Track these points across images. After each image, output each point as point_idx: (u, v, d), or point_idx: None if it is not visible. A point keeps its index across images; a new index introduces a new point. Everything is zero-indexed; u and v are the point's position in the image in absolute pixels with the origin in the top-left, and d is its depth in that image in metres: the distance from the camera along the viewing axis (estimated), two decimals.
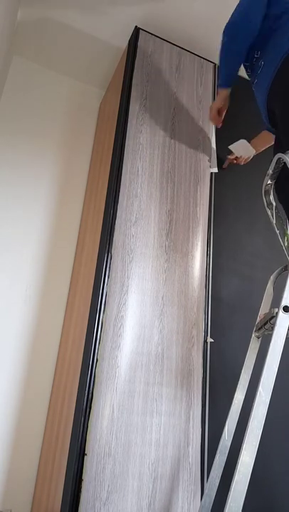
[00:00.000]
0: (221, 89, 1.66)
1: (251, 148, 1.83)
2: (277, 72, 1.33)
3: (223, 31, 1.49)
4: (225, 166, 1.93)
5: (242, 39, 1.45)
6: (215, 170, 1.87)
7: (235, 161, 1.92)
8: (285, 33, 1.35)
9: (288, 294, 1.05)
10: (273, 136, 1.76)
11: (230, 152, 1.89)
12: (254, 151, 1.86)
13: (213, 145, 1.92)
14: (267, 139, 1.85)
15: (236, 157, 1.90)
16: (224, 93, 1.66)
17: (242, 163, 1.92)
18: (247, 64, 1.53)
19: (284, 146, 1.30)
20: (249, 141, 1.85)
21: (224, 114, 1.75)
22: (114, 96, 2.06)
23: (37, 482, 1.68)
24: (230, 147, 1.85)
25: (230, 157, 1.91)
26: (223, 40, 1.50)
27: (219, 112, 1.73)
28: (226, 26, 1.49)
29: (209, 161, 1.87)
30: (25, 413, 1.78)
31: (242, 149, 1.84)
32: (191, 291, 1.59)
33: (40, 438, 1.77)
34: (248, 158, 1.89)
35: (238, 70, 1.57)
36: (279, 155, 1.29)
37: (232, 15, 1.49)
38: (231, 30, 1.47)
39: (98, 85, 2.51)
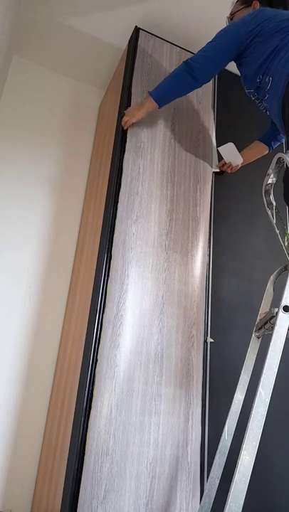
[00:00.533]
0: (153, 103, 1.62)
1: (239, 155, 1.80)
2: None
3: (188, 64, 1.53)
4: (215, 169, 1.88)
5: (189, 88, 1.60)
6: (216, 169, 1.86)
7: (224, 168, 1.88)
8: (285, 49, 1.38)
9: (288, 294, 1.05)
10: (265, 149, 1.85)
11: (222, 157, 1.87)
12: (241, 160, 1.82)
13: (214, 143, 1.91)
14: (258, 150, 1.86)
15: (224, 163, 1.86)
16: (153, 108, 1.63)
17: (229, 172, 1.87)
18: (251, 90, 1.55)
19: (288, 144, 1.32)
20: (240, 151, 1.83)
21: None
22: (114, 96, 2.06)
23: (37, 482, 1.68)
24: (220, 149, 1.82)
25: (219, 164, 1.88)
26: (182, 70, 1.54)
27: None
28: (190, 65, 1.53)
29: (210, 161, 1.86)
30: (26, 413, 1.78)
31: (230, 154, 1.81)
32: (191, 291, 1.59)
33: (41, 438, 1.77)
34: (236, 167, 1.84)
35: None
36: (279, 155, 1.29)
37: (199, 56, 1.54)
38: (184, 76, 1.55)
39: (98, 85, 2.51)
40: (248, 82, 1.54)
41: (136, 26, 2.00)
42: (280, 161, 1.30)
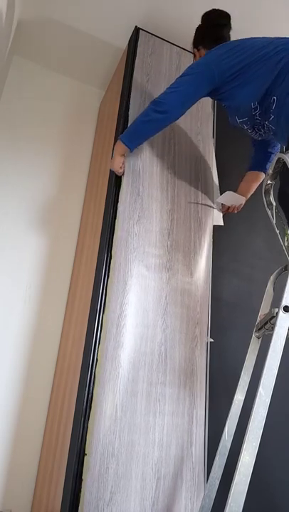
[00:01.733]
0: (123, 147, 1.58)
1: (239, 196, 1.78)
2: None
3: (154, 103, 1.50)
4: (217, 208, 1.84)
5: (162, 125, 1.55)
6: (218, 208, 1.81)
7: (229, 211, 1.84)
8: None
9: (288, 294, 1.05)
10: (261, 174, 1.78)
11: (221, 204, 1.83)
12: (243, 199, 1.79)
13: (216, 181, 1.86)
14: (254, 179, 1.80)
15: (228, 207, 1.83)
16: (124, 151, 1.59)
17: (235, 212, 1.84)
18: (244, 119, 1.49)
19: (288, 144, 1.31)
20: (236, 189, 1.80)
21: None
22: (114, 96, 2.06)
23: (37, 482, 1.68)
24: (219, 200, 1.79)
25: (223, 209, 1.83)
26: (149, 109, 1.51)
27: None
28: (156, 103, 1.50)
29: (212, 198, 1.81)
30: (26, 413, 1.78)
31: (230, 199, 1.78)
32: (194, 291, 1.59)
33: (41, 438, 1.77)
34: (240, 205, 1.82)
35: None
36: (279, 155, 1.29)
37: (165, 92, 1.50)
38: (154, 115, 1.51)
39: (98, 85, 2.51)
40: (240, 112, 1.48)
41: (136, 26, 2.00)
42: (279, 161, 1.30)
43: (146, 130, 1.56)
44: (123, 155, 1.61)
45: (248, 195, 1.82)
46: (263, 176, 1.78)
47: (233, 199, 1.78)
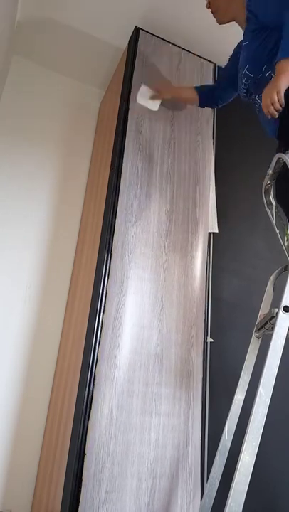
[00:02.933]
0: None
1: (154, 103, 1.70)
2: None
3: None
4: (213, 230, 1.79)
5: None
6: (214, 230, 1.78)
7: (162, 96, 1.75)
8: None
9: (288, 294, 1.05)
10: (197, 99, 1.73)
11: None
12: (156, 108, 1.71)
13: (213, 202, 1.84)
14: (189, 96, 1.75)
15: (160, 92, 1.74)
16: None
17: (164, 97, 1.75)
18: (252, 75, 1.44)
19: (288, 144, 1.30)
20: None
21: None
22: (114, 96, 2.06)
23: (37, 482, 1.68)
24: (138, 100, 1.70)
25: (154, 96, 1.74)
26: None
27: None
28: None
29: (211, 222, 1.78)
30: (26, 413, 1.78)
31: (143, 98, 1.70)
32: (190, 292, 1.59)
33: (41, 438, 1.77)
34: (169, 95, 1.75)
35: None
36: (279, 155, 1.29)
37: None
38: None
39: (98, 85, 2.51)
40: (255, 66, 1.40)
41: (136, 26, 2.00)
42: (279, 161, 1.30)
43: None
44: None
45: (173, 97, 1.77)
46: (196, 102, 1.76)
47: (145, 98, 1.70)
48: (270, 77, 1.36)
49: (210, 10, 1.62)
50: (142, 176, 1.67)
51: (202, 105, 1.78)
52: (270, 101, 1.24)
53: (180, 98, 1.81)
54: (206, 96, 1.75)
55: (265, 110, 1.26)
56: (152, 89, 1.72)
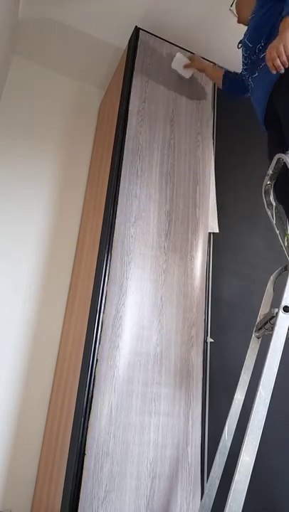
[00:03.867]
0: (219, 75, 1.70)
1: (186, 70, 1.90)
2: (287, 69, 1.29)
3: None
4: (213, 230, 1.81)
5: None
6: (214, 230, 1.78)
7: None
8: None
9: (288, 294, 1.05)
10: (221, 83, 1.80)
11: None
12: (189, 75, 1.91)
13: (213, 200, 1.85)
14: (216, 76, 1.81)
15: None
16: None
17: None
18: (247, 54, 1.46)
19: (288, 144, 1.30)
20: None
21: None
22: (114, 96, 2.06)
23: (37, 482, 1.68)
24: (172, 65, 1.89)
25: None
26: None
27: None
28: None
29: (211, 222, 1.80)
30: (26, 413, 1.78)
31: (177, 64, 1.90)
32: (190, 292, 1.59)
33: (41, 438, 1.77)
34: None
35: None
36: (279, 155, 1.29)
37: None
38: None
39: (98, 85, 2.51)
40: (253, 38, 1.41)
41: (136, 26, 2.00)
42: (279, 161, 1.30)
43: None
44: None
45: (200, 68, 1.89)
46: (220, 86, 1.83)
47: (182, 65, 1.90)
48: (264, 59, 1.36)
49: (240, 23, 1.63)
50: (142, 176, 1.67)
51: (225, 90, 1.82)
52: (277, 53, 1.22)
53: (208, 74, 1.89)
54: (230, 82, 1.78)
55: (270, 64, 1.25)
56: (186, 59, 1.89)
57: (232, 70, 1.84)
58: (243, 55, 1.51)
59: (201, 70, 1.89)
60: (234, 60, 1.68)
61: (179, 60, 1.89)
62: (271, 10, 1.37)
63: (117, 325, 1.42)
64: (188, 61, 1.90)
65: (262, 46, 1.40)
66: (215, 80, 1.86)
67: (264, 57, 1.36)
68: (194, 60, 1.90)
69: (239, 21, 1.61)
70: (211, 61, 2.09)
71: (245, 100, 1.83)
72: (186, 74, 1.92)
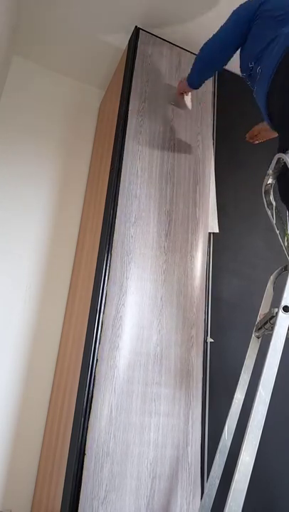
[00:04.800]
0: (189, 88, 1.78)
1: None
2: (274, 75, 1.33)
3: (201, 48, 1.64)
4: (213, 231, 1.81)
5: (210, 66, 1.69)
6: (216, 230, 1.80)
7: (251, 140, 1.85)
8: (277, 39, 1.35)
9: (288, 294, 1.05)
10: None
11: None
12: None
13: (214, 200, 1.85)
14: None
15: (252, 136, 1.83)
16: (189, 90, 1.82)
17: (255, 142, 1.84)
18: (244, 74, 1.53)
19: (283, 145, 1.31)
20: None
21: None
22: (114, 96, 2.07)
23: (37, 482, 1.68)
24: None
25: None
26: (198, 54, 1.65)
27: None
28: (202, 46, 1.64)
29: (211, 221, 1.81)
30: (26, 413, 1.78)
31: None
32: (190, 292, 1.59)
33: (41, 438, 1.77)
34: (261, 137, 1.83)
35: (207, 78, 1.75)
36: (279, 155, 1.29)
37: (211, 38, 1.62)
38: (202, 55, 1.65)
39: (98, 85, 2.51)
40: (243, 64, 1.51)
41: (136, 26, 2.00)
42: (279, 161, 1.31)
43: (202, 69, 1.71)
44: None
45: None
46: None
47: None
48: (259, 71, 1.40)
49: None
50: (142, 176, 1.67)
51: None
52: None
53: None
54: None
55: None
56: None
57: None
58: (242, 75, 1.59)
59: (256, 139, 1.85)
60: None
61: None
62: (256, 32, 1.45)
63: (117, 325, 1.42)
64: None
65: (252, 65, 1.46)
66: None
67: (259, 70, 1.41)
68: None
69: None
70: None
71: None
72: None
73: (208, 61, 1.65)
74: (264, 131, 1.81)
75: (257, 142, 1.83)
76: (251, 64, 1.45)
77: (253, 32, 1.45)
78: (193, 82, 1.75)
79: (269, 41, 1.37)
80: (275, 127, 1.45)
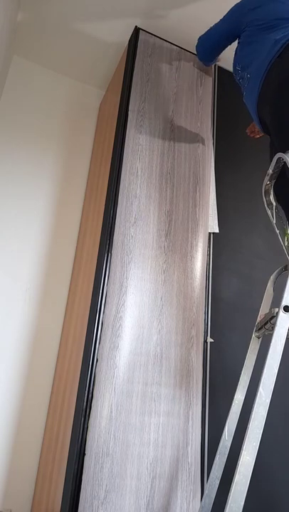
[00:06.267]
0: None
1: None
2: (263, 82, 1.35)
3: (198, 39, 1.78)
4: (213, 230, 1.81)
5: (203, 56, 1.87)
6: (214, 230, 1.81)
7: (250, 134, 1.86)
8: (264, 46, 1.37)
9: (288, 294, 1.05)
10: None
11: None
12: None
13: (214, 200, 1.85)
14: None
15: (252, 131, 1.84)
16: None
17: (254, 136, 1.85)
18: (237, 78, 1.56)
19: (278, 150, 1.31)
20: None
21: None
22: (114, 96, 2.06)
23: (37, 482, 1.68)
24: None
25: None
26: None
27: None
28: (198, 39, 1.79)
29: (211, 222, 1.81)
30: (26, 413, 1.78)
31: None
32: (190, 292, 1.59)
33: (41, 438, 1.77)
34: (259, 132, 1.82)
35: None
36: (279, 155, 1.28)
37: (206, 33, 1.76)
38: (198, 47, 1.84)
39: (98, 85, 2.51)
40: (233, 66, 1.55)
41: (136, 26, 1.99)
42: (279, 161, 1.30)
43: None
44: None
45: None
46: None
47: None
48: (248, 77, 1.43)
49: None
50: (142, 176, 1.67)
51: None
52: None
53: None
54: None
55: None
56: None
57: (232, 69, 1.84)
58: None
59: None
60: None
61: None
62: (248, 36, 1.50)
63: (117, 325, 1.42)
64: None
65: (239, 67, 1.50)
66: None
67: (248, 76, 1.44)
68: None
69: None
70: None
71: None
72: None
73: (208, 52, 1.81)
74: None
75: (258, 136, 1.83)
76: (238, 67, 1.48)
77: (242, 40, 1.47)
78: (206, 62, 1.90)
79: (255, 49, 1.39)
80: (266, 132, 1.46)
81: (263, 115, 1.40)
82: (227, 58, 1.75)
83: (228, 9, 1.72)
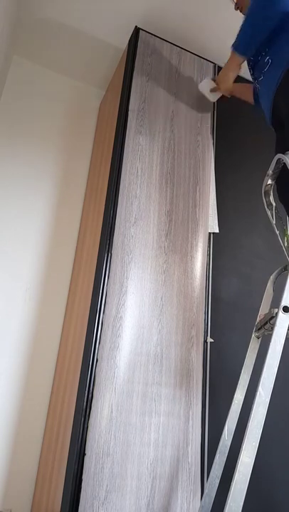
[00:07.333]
0: (237, 56, 1.53)
1: (212, 93, 1.82)
2: (287, 71, 1.32)
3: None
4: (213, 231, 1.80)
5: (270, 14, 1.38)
6: (216, 230, 1.79)
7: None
8: None
9: (288, 294, 1.05)
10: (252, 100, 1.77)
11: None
12: (214, 98, 1.82)
13: (214, 200, 1.84)
14: (248, 95, 1.79)
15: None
16: (238, 60, 1.56)
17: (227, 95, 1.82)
18: (252, 58, 1.50)
19: (283, 146, 1.31)
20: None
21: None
22: (114, 96, 2.07)
23: (37, 482, 1.68)
24: (199, 87, 1.84)
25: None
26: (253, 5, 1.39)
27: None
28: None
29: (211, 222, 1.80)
30: (26, 413, 1.78)
31: (204, 87, 1.83)
32: (190, 292, 1.59)
33: (41, 438, 1.77)
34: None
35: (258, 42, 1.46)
36: (279, 155, 1.29)
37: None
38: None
39: (98, 85, 2.51)
40: (259, 48, 1.45)
41: (136, 26, 2.00)
42: (279, 161, 1.31)
43: (257, 26, 1.41)
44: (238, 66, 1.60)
45: (235, 95, 1.82)
46: (251, 101, 1.80)
47: (208, 89, 1.83)
48: (268, 62, 1.38)
49: (238, 10, 1.62)
50: (142, 176, 1.67)
51: (258, 105, 1.76)
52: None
53: (238, 94, 1.83)
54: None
55: None
56: (213, 83, 1.82)
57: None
58: (247, 60, 1.53)
59: (230, 93, 1.79)
60: None
61: (206, 84, 1.82)
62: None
63: (117, 325, 1.42)
64: (214, 85, 1.80)
65: (264, 52, 1.43)
66: (246, 98, 1.81)
67: (269, 61, 1.38)
68: (221, 88, 1.77)
69: (236, 8, 1.61)
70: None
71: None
72: (213, 98, 1.83)
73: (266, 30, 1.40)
74: (239, 88, 1.80)
75: (230, 96, 1.81)
76: (264, 51, 1.41)
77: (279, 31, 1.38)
78: (246, 52, 1.53)
79: (278, 24, 1.34)
80: (274, 126, 1.45)
81: (279, 105, 1.37)
82: (227, 56, 1.74)
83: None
